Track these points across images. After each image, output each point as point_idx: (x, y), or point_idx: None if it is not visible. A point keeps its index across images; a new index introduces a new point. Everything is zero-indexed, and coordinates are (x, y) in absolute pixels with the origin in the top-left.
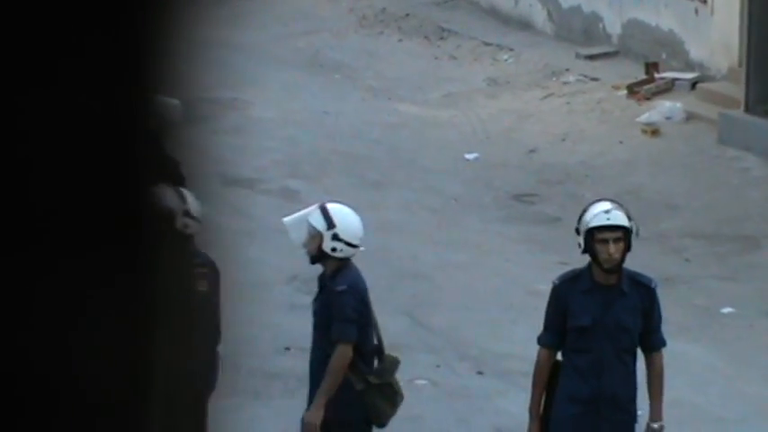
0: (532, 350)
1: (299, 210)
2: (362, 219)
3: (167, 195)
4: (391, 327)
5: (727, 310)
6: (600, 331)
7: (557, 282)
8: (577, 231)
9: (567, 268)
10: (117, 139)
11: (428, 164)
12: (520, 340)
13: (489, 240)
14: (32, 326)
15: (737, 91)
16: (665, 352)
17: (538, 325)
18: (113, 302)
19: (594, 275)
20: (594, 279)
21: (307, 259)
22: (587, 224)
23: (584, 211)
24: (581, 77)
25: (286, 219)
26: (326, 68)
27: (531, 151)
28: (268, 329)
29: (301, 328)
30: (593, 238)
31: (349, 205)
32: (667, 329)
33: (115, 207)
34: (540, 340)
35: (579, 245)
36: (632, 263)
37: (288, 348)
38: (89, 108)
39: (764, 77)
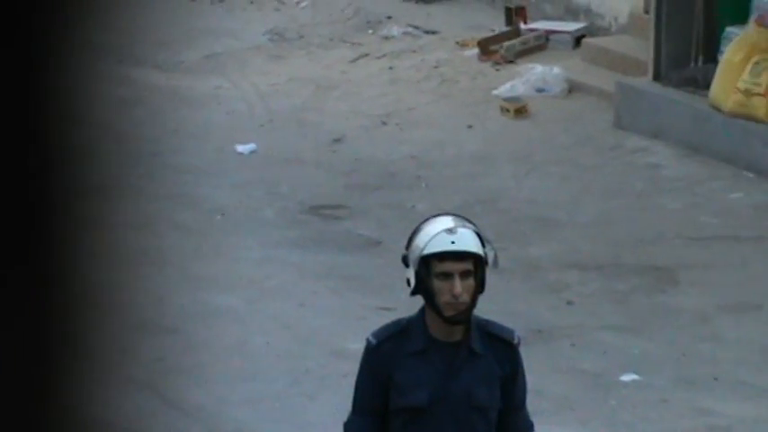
0: None
1: None
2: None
3: None
4: (125, 405)
5: (628, 377)
6: (441, 412)
7: (373, 339)
8: (405, 261)
9: (391, 317)
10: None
11: (180, 159)
12: (319, 425)
13: (273, 274)
14: None
15: (643, 50)
16: None
17: (346, 402)
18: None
19: (431, 329)
20: (431, 334)
21: None
22: (421, 250)
23: (417, 230)
24: (410, 30)
25: None
26: None
27: (337, 141)
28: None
29: None
30: (429, 270)
31: None
32: (539, 406)
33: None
34: (348, 427)
35: (408, 282)
36: (487, 308)
37: None
38: None
39: (683, 30)
